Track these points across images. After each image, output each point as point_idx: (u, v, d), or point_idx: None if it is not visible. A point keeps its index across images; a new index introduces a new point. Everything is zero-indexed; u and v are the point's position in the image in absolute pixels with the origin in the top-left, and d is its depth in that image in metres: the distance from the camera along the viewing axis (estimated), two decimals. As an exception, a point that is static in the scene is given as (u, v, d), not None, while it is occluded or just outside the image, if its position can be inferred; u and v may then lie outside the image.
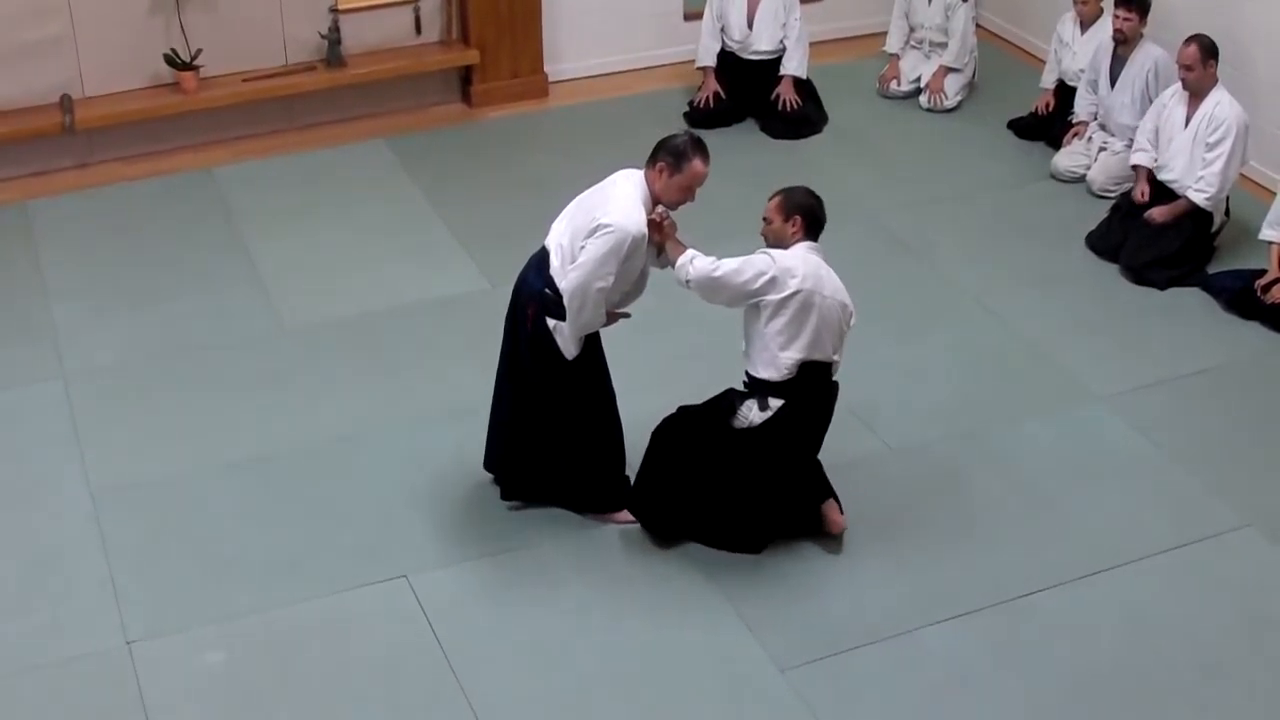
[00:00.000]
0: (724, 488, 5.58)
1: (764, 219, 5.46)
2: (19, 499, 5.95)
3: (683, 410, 5.71)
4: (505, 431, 5.79)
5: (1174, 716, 5.09)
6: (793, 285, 5.27)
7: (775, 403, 5.44)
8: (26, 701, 5.07)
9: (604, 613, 5.46)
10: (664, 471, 5.66)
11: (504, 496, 5.90)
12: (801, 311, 5.30)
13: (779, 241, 5.41)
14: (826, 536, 5.75)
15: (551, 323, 5.43)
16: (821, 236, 5.50)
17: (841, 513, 5.74)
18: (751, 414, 5.49)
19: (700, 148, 5.32)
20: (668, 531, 5.72)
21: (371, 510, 5.90)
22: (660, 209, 5.41)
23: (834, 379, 5.57)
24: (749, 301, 5.35)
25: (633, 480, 5.80)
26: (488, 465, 5.95)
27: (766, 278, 5.27)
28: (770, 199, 5.47)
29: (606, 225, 5.24)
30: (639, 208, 5.30)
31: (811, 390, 5.47)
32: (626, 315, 5.58)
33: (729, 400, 5.58)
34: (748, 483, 5.56)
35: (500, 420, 5.81)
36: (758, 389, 5.48)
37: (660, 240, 5.44)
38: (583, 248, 5.29)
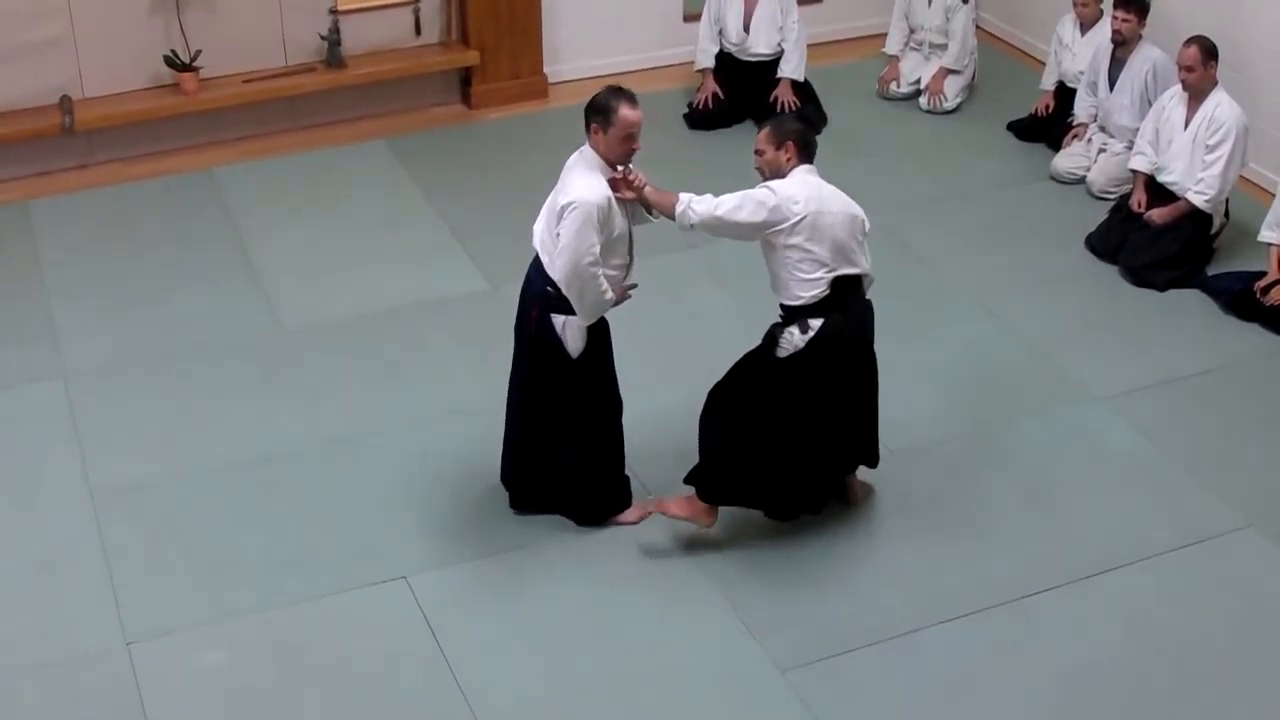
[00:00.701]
0: (785, 435, 5.50)
1: (756, 151, 5.44)
2: (18, 498, 5.95)
3: (732, 369, 5.63)
4: (516, 440, 5.79)
5: (1174, 716, 5.08)
6: (798, 211, 5.26)
7: (815, 322, 5.40)
8: (26, 702, 5.07)
9: (604, 613, 5.46)
10: (725, 431, 5.60)
11: (512, 505, 5.89)
12: (814, 234, 5.29)
13: (776, 170, 5.39)
14: (827, 536, 5.74)
15: (559, 320, 5.43)
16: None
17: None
18: (794, 338, 5.43)
19: (620, 94, 5.30)
20: (727, 495, 5.66)
21: (370, 511, 5.90)
22: (621, 167, 5.38)
23: (868, 297, 5.55)
24: (758, 235, 5.34)
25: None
26: (504, 477, 5.93)
27: (769, 208, 5.26)
28: (759, 132, 5.46)
29: (569, 204, 5.25)
30: (594, 177, 5.29)
31: (847, 303, 5.43)
32: (634, 285, 5.56)
33: (771, 336, 5.52)
34: (808, 423, 5.49)
35: (512, 429, 5.81)
36: (795, 315, 5.43)
37: (633, 197, 5.39)
38: (558, 235, 5.30)
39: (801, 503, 5.69)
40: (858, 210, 5.45)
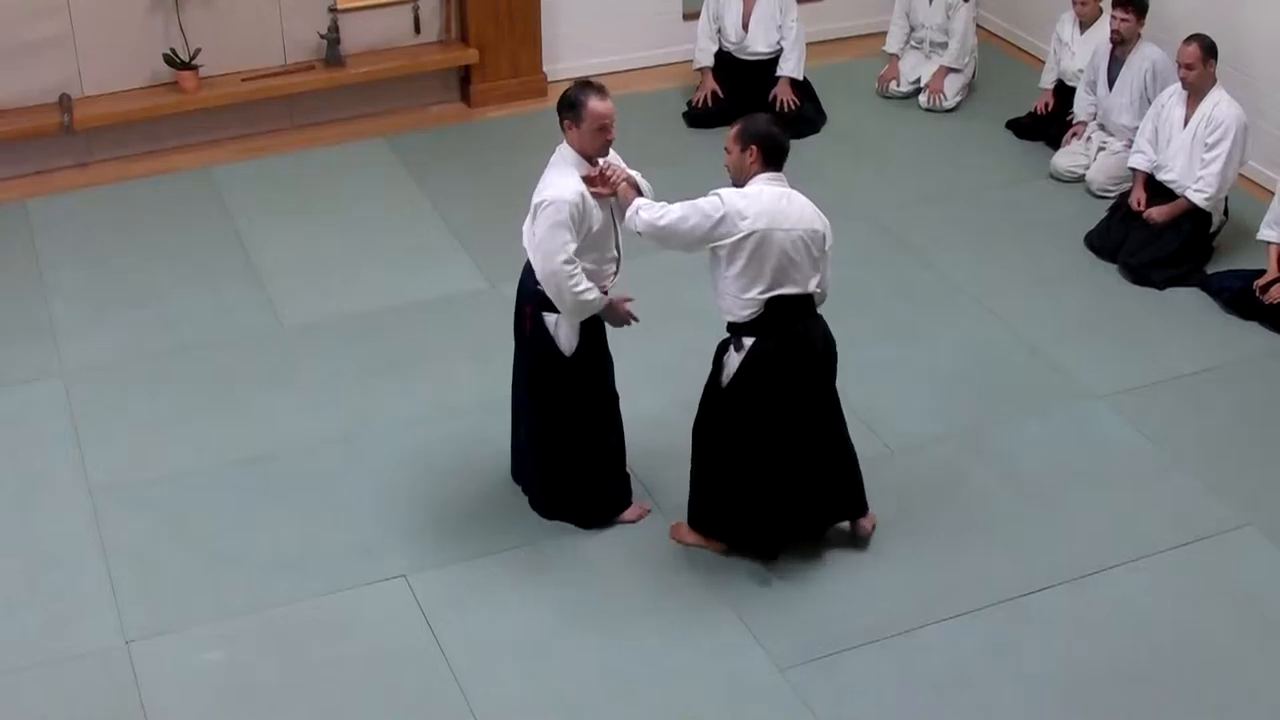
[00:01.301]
0: (746, 465, 5.42)
1: (725, 149, 5.29)
2: (18, 498, 5.95)
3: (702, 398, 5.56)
4: (520, 442, 5.80)
5: (1174, 716, 5.08)
6: (744, 227, 5.10)
7: (748, 342, 5.28)
8: (25, 700, 5.07)
9: (602, 611, 5.46)
10: (698, 464, 5.58)
11: (532, 505, 5.88)
12: (758, 251, 5.12)
13: (739, 172, 5.25)
14: (826, 534, 5.73)
15: (551, 319, 5.43)
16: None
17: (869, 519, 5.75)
18: (731, 358, 5.34)
19: (588, 87, 5.28)
20: (712, 528, 5.63)
21: (370, 509, 5.90)
22: (602, 161, 5.34)
23: (818, 311, 5.38)
24: (704, 246, 5.20)
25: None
26: (514, 475, 5.95)
27: (714, 220, 5.11)
28: (730, 128, 5.31)
29: (541, 203, 5.25)
30: (568, 174, 5.28)
31: (786, 324, 5.27)
32: (630, 300, 5.51)
33: (718, 359, 5.42)
34: (764, 451, 5.38)
35: (516, 431, 5.83)
36: (732, 332, 5.33)
37: (608, 192, 5.32)
38: (534, 234, 5.30)
39: (778, 539, 5.59)
40: (819, 225, 5.25)
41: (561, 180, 5.27)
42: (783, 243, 5.14)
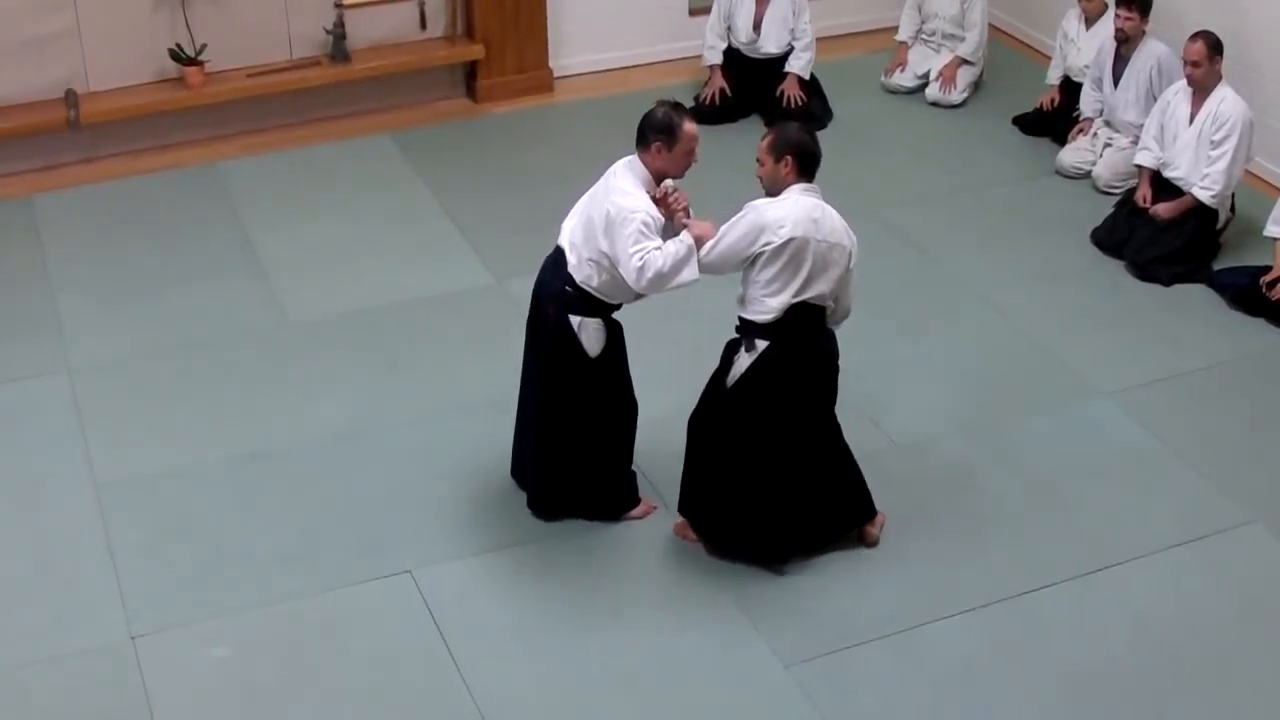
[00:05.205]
0: (743, 467, 5.43)
1: (757, 160, 5.28)
2: (23, 493, 5.96)
3: (704, 393, 5.57)
4: (529, 439, 5.78)
5: (1179, 713, 5.08)
6: (784, 234, 5.10)
7: (761, 344, 5.29)
8: (31, 696, 5.08)
9: (608, 607, 5.46)
10: (690, 460, 5.59)
11: (530, 505, 5.87)
12: (794, 259, 5.14)
13: (773, 184, 5.24)
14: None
15: (576, 320, 5.42)
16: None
17: (875, 524, 5.74)
18: (741, 358, 5.35)
19: (682, 111, 5.29)
20: (704, 528, 5.65)
21: (375, 505, 5.90)
22: (666, 183, 5.35)
23: (831, 327, 5.41)
24: (749, 257, 5.20)
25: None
26: (514, 473, 5.95)
27: (754, 233, 5.13)
28: (762, 139, 5.31)
29: (621, 212, 5.19)
30: (640, 191, 5.26)
31: (800, 332, 5.28)
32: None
33: (727, 358, 5.44)
34: (764, 455, 5.39)
35: (524, 428, 5.81)
36: (746, 331, 5.33)
37: (669, 214, 5.32)
38: (603, 255, 5.23)
39: (779, 547, 5.58)
40: (846, 241, 5.27)
41: (638, 194, 5.25)
42: (817, 252, 5.17)
